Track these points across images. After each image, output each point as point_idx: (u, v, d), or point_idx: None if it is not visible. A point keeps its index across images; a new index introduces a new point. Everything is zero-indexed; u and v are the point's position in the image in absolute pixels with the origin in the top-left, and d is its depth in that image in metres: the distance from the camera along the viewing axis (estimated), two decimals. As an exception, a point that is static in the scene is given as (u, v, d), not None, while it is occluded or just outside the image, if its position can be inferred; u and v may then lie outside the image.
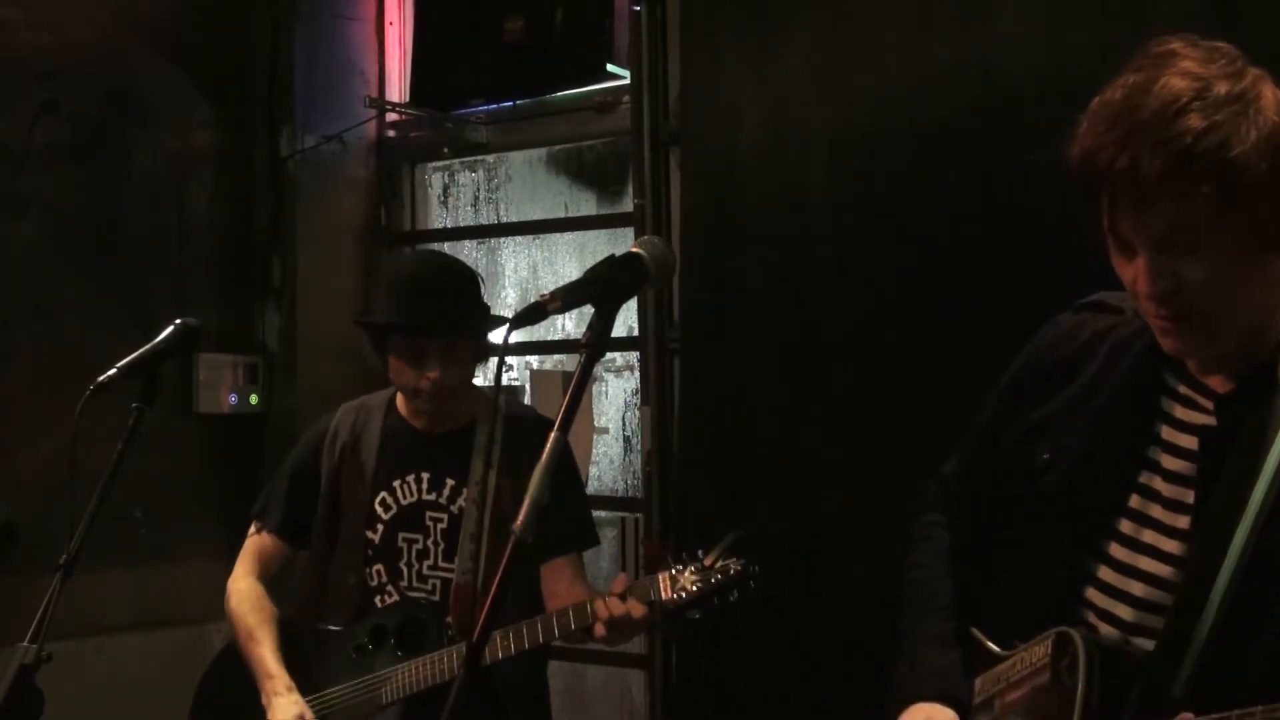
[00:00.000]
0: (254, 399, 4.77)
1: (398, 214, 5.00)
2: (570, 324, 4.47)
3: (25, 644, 2.18)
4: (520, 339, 4.42)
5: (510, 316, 2.14)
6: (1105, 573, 1.68)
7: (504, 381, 3.35)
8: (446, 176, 5.01)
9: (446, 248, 4.62)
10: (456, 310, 2.84)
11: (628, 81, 4.07)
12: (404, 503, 2.93)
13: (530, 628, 2.61)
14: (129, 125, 4.55)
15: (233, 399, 4.72)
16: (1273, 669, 1.51)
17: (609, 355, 4.35)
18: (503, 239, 4.82)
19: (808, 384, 3.50)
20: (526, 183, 4.80)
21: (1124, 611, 1.66)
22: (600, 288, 1.73)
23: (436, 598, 2.87)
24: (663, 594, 2.53)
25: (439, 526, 2.89)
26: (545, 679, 3.03)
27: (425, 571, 2.89)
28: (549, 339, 4.55)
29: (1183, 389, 1.66)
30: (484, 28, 4.45)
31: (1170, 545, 1.63)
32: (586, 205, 4.64)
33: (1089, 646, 1.59)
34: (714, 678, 3.68)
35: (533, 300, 1.71)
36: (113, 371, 2.41)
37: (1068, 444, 1.74)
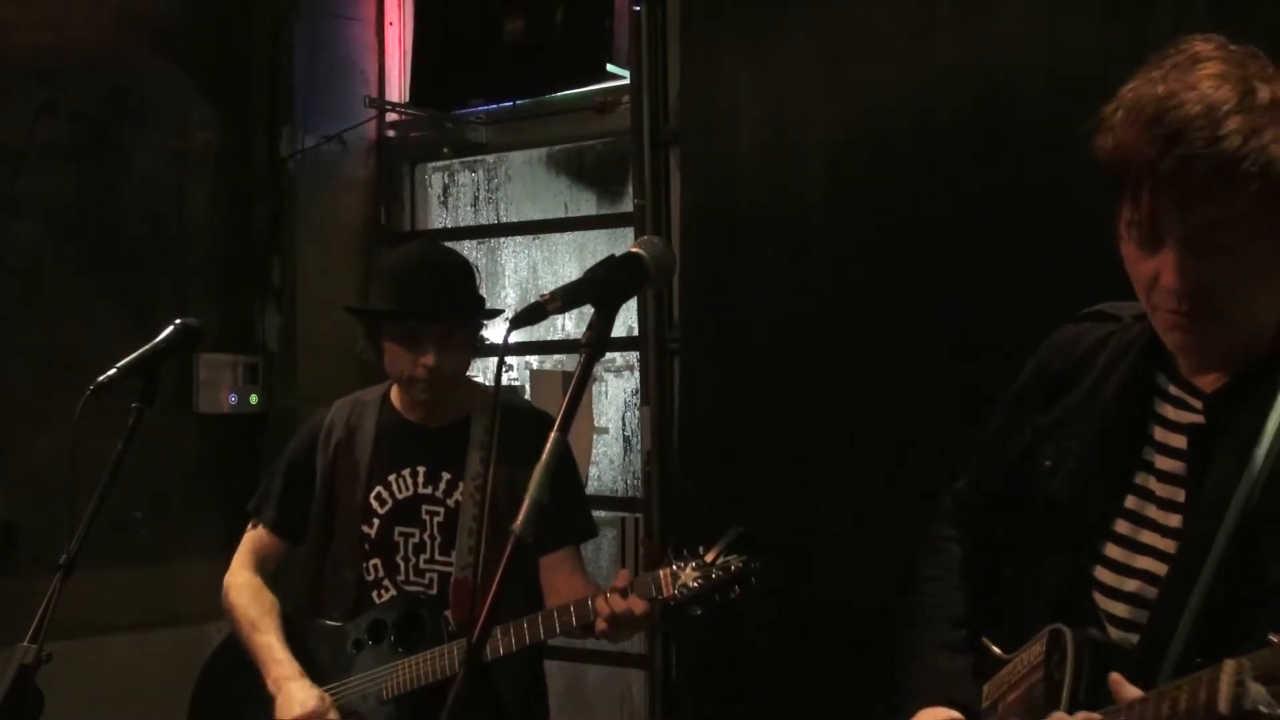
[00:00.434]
0: (254, 399, 4.78)
1: (398, 214, 5.00)
2: (570, 324, 4.47)
3: (25, 644, 2.18)
4: (520, 339, 4.42)
5: (509, 312, 2.14)
6: (1104, 574, 1.70)
7: (504, 381, 3.35)
8: (446, 176, 5.01)
9: (446, 248, 4.61)
10: (453, 297, 2.86)
11: (628, 81, 4.07)
12: (400, 497, 2.93)
13: (531, 624, 2.62)
14: (129, 125, 4.55)
15: (233, 399, 4.73)
16: None
17: (609, 355, 4.35)
18: (502, 239, 4.82)
19: (807, 384, 3.50)
20: (526, 183, 4.80)
21: (1122, 610, 1.67)
22: (600, 288, 1.74)
23: (434, 592, 2.88)
24: (664, 590, 2.53)
25: (435, 520, 2.90)
26: (543, 677, 3.03)
27: (422, 565, 2.90)
28: (549, 339, 4.55)
29: (1174, 390, 1.69)
30: (484, 28, 4.44)
31: (1165, 544, 1.65)
32: (586, 205, 4.64)
33: (1078, 642, 1.62)
34: (714, 678, 3.68)
35: (533, 300, 1.71)
36: (113, 371, 2.42)
37: (1068, 450, 1.77)
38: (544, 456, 1.64)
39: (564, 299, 1.70)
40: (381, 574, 2.92)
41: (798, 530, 3.47)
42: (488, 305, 3.01)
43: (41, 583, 2.24)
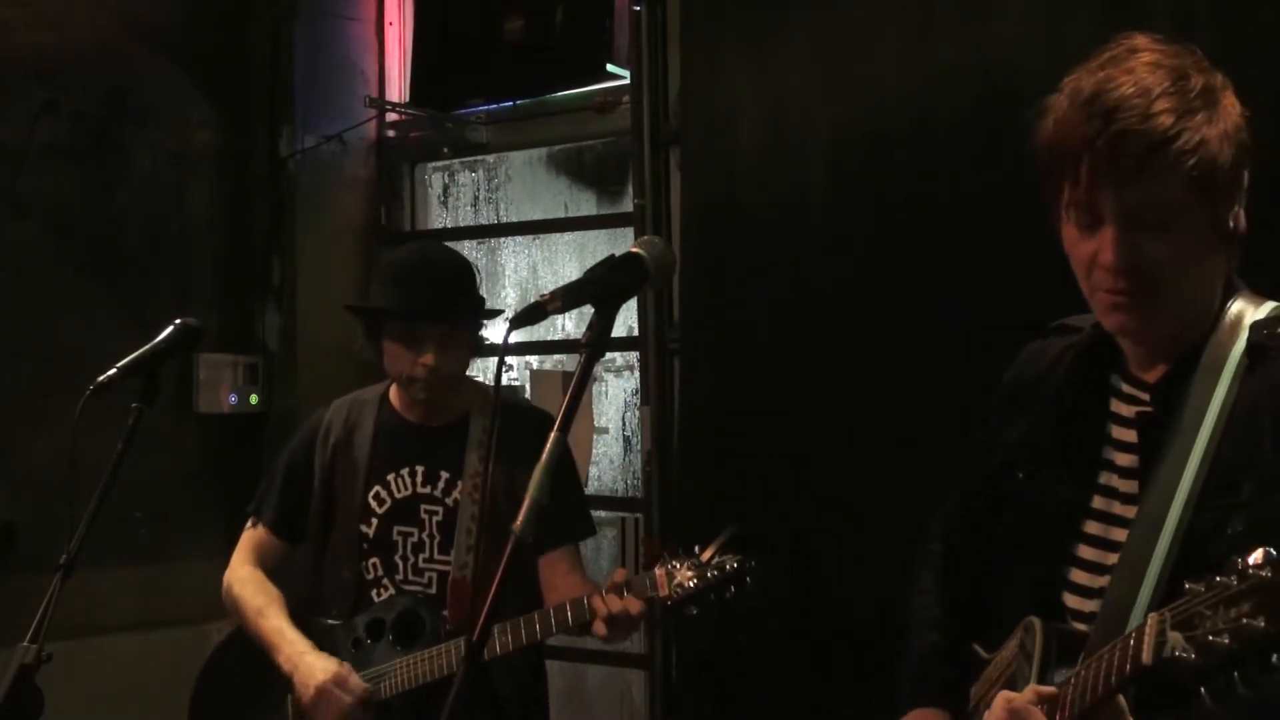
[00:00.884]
0: (254, 399, 4.78)
1: (398, 214, 5.00)
2: (570, 324, 4.47)
3: (25, 644, 2.18)
4: (520, 339, 4.42)
5: (509, 312, 2.14)
6: (1078, 575, 1.74)
7: (504, 381, 3.35)
8: (446, 176, 5.01)
9: (446, 248, 4.61)
10: (453, 297, 2.86)
11: (628, 81, 4.07)
12: (398, 496, 2.93)
13: (529, 623, 2.62)
14: (129, 125, 4.55)
15: (233, 399, 4.73)
16: None
17: (609, 355, 4.35)
18: (502, 239, 4.82)
19: (807, 383, 3.50)
20: (526, 183, 4.80)
21: (1095, 607, 1.69)
22: (600, 288, 1.74)
23: (433, 590, 2.88)
24: (660, 590, 2.53)
25: (434, 519, 2.90)
26: (544, 676, 3.03)
27: (421, 564, 2.90)
28: (549, 339, 4.55)
29: (1125, 387, 1.74)
30: (484, 28, 4.44)
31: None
32: (586, 205, 4.64)
33: (1047, 626, 1.68)
34: (714, 678, 3.68)
35: (533, 300, 1.71)
36: (113, 371, 2.42)
37: (1037, 458, 1.82)
38: (544, 456, 1.64)
39: (564, 299, 1.71)
40: (380, 573, 2.92)
41: (798, 530, 3.47)
42: (488, 305, 3.01)
43: (41, 583, 2.24)
